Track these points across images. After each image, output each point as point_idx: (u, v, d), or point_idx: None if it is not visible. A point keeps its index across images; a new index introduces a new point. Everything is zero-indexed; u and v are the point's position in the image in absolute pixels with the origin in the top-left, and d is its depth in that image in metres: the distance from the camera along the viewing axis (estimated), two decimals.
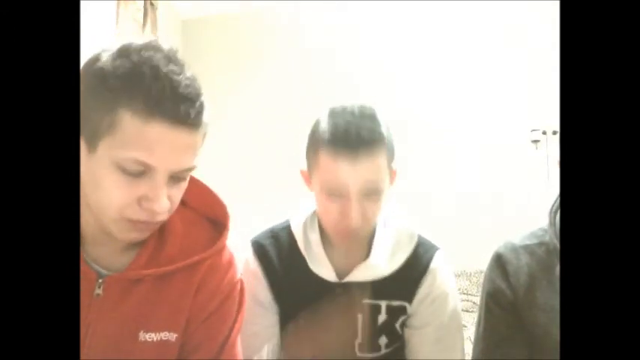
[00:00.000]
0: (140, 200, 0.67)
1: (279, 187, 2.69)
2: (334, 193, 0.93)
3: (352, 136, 0.90)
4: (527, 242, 1.00)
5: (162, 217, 0.70)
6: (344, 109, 0.95)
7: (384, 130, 0.94)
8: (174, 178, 0.69)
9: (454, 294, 1.07)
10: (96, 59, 0.66)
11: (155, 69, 0.64)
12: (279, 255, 1.05)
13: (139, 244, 0.76)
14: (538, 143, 2.69)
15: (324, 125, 0.94)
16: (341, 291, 1.01)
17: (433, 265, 1.04)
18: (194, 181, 0.82)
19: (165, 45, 0.69)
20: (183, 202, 0.82)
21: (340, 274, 1.02)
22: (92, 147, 0.65)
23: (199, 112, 0.67)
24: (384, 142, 0.94)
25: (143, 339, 0.74)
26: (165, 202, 0.68)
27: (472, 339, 1.07)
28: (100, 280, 0.73)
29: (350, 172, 0.90)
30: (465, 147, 2.77)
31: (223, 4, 3.12)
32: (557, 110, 0.86)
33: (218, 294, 0.80)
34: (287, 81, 3.06)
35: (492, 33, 2.83)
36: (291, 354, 1.05)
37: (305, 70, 3.05)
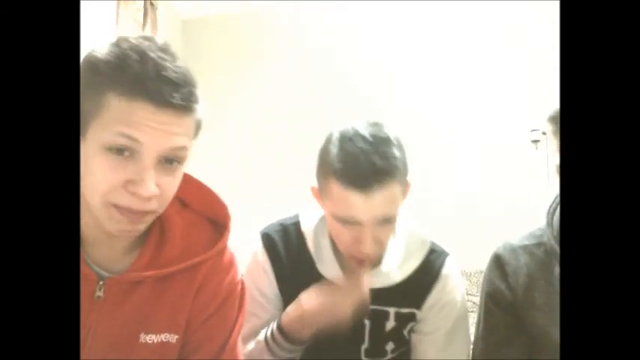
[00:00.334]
0: (127, 184, 0.65)
1: (279, 187, 2.70)
2: (347, 222, 0.91)
3: (365, 169, 0.87)
4: (526, 243, 1.00)
5: (152, 205, 0.68)
6: (355, 134, 0.90)
7: (397, 152, 0.90)
8: (163, 163, 0.67)
9: (463, 300, 1.06)
10: (91, 51, 0.67)
11: (142, 54, 0.65)
12: (287, 250, 1.04)
13: (140, 246, 0.76)
14: (538, 143, 2.68)
15: (335, 152, 0.90)
16: None
17: (444, 271, 1.04)
18: (194, 182, 0.82)
19: (160, 40, 0.69)
20: (183, 203, 0.82)
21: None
22: (83, 133, 0.65)
23: (187, 98, 0.66)
24: (398, 168, 0.90)
25: (144, 341, 0.74)
26: (152, 186, 0.65)
27: (472, 339, 1.07)
28: (101, 282, 0.72)
29: (362, 206, 0.88)
30: (465, 147, 2.76)
31: (223, 4, 3.12)
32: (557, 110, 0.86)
33: (218, 295, 0.80)
34: (287, 81, 3.06)
35: (492, 33, 2.83)
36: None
37: (305, 70, 3.04)
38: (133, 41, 0.66)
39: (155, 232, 0.77)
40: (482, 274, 1.06)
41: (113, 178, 0.65)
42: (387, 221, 0.92)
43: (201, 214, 0.83)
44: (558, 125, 0.82)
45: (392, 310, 1.02)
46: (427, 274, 1.03)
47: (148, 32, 2.65)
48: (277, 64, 3.09)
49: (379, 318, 1.01)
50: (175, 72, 0.65)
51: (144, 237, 0.77)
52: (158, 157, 0.66)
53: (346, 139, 0.91)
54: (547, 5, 2.58)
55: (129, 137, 0.64)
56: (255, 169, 2.96)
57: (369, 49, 2.97)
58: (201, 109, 0.71)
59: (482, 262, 1.06)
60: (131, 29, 2.51)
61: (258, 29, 3.18)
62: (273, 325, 0.98)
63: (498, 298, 1.00)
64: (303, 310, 0.93)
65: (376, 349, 1.03)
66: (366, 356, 1.03)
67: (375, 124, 0.93)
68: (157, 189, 0.67)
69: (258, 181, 2.90)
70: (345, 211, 0.90)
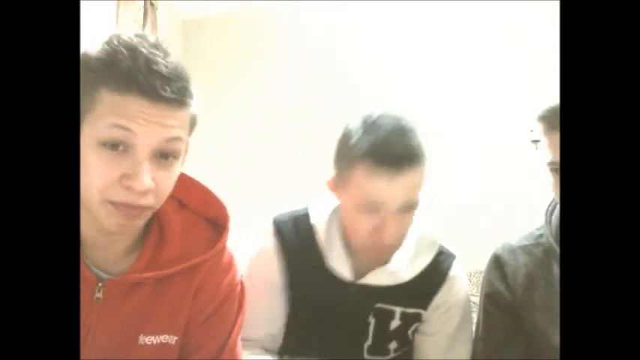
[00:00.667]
0: (122, 179, 0.65)
1: (279, 188, 2.69)
2: (369, 210, 0.90)
3: (393, 151, 0.87)
4: (525, 243, 1.00)
5: (148, 200, 0.68)
6: (380, 118, 0.91)
7: (421, 142, 0.92)
8: (159, 158, 0.67)
9: (468, 303, 1.06)
10: (84, 50, 0.67)
11: (133, 49, 0.65)
12: (297, 241, 1.03)
13: (138, 247, 0.76)
14: (538, 143, 2.68)
15: (361, 138, 0.90)
16: (354, 291, 1.00)
17: (452, 273, 1.04)
18: (193, 182, 0.82)
19: (152, 37, 0.70)
20: (182, 204, 0.81)
21: (357, 275, 1.00)
22: None
23: (179, 92, 0.67)
24: (423, 154, 0.91)
25: (143, 342, 0.74)
26: (147, 179, 0.65)
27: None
28: (100, 284, 0.72)
29: (389, 190, 0.87)
30: (465, 147, 2.76)
31: (223, 4, 3.12)
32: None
33: (218, 295, 0.80)
34: (287, 81, 3.05)
35: (492, 33, 2.83)
36: (294, 346, 1.04)
37: (305, 70, 3.04)
38: (124, 38, 0.67)
39: (154, 233, 0.77)
40: (482, 274, 1.06)
41: (108, 173, 0.65)
42: (410, 207, 0.91)
43: (200, 214, 0.82)
44: (548, 124, 0.83)
45: (398, 310, 1.01)
46: (435, 275, 1.03)
47: (147, 32, 2.65)
48: (277, 64, 3.09)
49: (384, 316, 1.01)
50: (167, 66, 0.66)
51: (143, 238, 0.77)
52: (153, 150, 0.66)
53: (371, 124, 0.91)
54: (547, 5, 2.58)
55: (122, 128, 0.64)
56: (255, 169, 2.96)
57: (369, 49, 2.97)
58: (195, 105, 0.71)
59: (482, 263, 1.06)
60: (131, 29, 2.50)
61: (258, 29, 3.17)
62: None
63: (498, 298, 1.00)
64: None
65: (379, 347, 1.03)
66: (368, 353, 1.03)
67: (394, 115, 0.94)
68: (153, 183, 0.66)
69: (257, 181, 2.90)
70: (371, 194, 0.88)
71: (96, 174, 0.65)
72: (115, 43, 0.66)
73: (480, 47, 2.83)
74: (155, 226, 0.77)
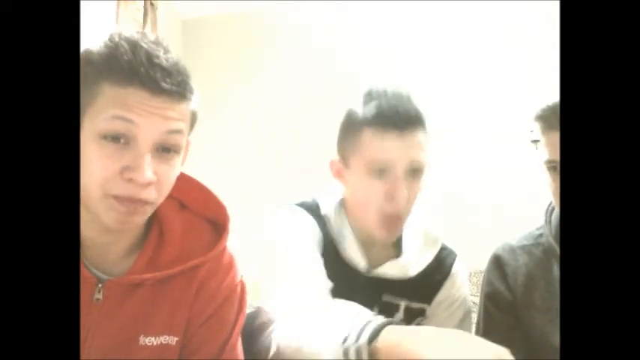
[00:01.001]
0: (123, 171, 0.65)
1: (279, 187, 2.69)
2: (380, 171, 0.92)
3: (399, 113, 0.93)
4: (525, 242, 1.00)
5: (150, 194, 0.67)
6: (383, 90, 0.98)
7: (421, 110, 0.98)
8: (160, 151, 0.67)
9: (468, 300, 1.08)
10: (86, 48, 0.68)
11: (134, 44, 0.66)
12: (319, 226, 1.00)
13: (138, 248, 0.76)
14: (538, 143, 2.68)
15: (366, 107, 0.96)
16: (364, 282, 1.00)
17: (454, 269, 1.05)
18: (193, 183, 0.82)
19: (152, 36, 0.71)
20: (182, 204, 0.81)
21: (370, 266, 1.00)
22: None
23: (180, 85, 0.67)
24: (424, 119, 0.98)
25: (143, 343, 0.74)
26: (148, 172, 0.65)
27: None
28: (100, 285, 0.72)
29: (397, 149, 0.92)
30: (465, 147, 2.76)
31: (223, 4, 3.12)
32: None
33: (217, 296, 0.79)
34: (287, 81, 3.05)
35: (492, 33, 2.83)
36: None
37: (305, 70, 3.04)
38: (125, 34, 0.68)
39: (154, 234, 0.77)
40: (482, 274, 1.07)
41: (110, 166, 0.65)
42: (417, 171, 0.95)
43: (200, 215, 0.82)
44: (545, 123, 0.84)
45: (403, 303, 1.02)
46: (439, 270, 1.04)
47: (147, 32, 2.65)
48: (277, 64, 3.09)
49: (389, 309, 1.01)
50: (167, 61, 0.66)
51: (143, 239, 0.77)
52: (154, 143, 0.66)
53: (373, 94, 0.98)
54: (547, 5, 2.58)
55: (124, 119, 0.64)
56: (255, 170, 2.96)
57: (369, 49, 2.97)
58: (196, 101, 0.71)
59: (482, 262, 1.07)
60: (131, 29, 2.51)
61: (258, 29, 3.17)
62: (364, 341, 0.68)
63: (498, 298, 1.00)
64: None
65: None
66: None
67: (399, 88, 1.01)
68: (154, 176, 0.66)
69: (257, 182, 2.90)
70: (381, 156, 0.92)
71: (97, 167, 0.65)
72: (117, 38, 0.67)
73: (480, 47, 2.83)
74: (155, 226, 0.77)
